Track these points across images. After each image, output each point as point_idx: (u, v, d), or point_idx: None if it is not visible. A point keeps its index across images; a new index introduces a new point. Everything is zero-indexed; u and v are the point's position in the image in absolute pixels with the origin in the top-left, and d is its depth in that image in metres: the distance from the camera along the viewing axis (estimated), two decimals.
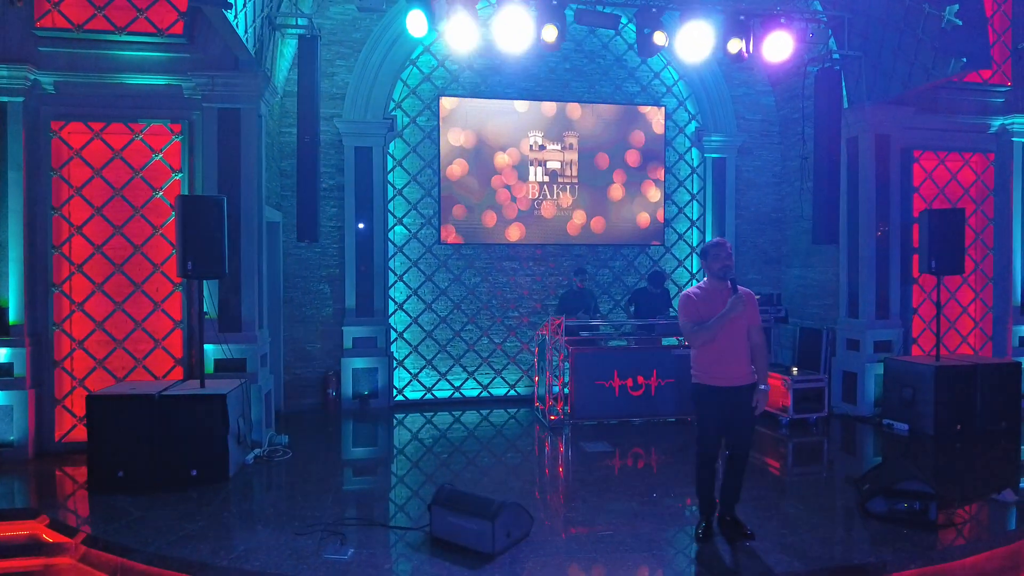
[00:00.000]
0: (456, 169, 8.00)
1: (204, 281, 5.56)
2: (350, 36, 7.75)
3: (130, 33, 5.77)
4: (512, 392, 8.31)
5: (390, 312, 7.98)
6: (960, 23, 5.86)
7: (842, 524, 4.40)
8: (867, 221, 7.29)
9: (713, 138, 8.66)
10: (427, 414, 7.51)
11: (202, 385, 5.33)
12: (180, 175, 5.97)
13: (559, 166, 8.25)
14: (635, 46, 6.84)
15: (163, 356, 5.97)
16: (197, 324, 5.64)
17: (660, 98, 8.67)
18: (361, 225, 7.69)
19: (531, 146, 8.17)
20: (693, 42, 6.52)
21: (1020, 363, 6.87)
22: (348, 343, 7.68)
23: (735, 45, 6.48)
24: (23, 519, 4.43)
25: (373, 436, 6.86)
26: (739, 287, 3.84)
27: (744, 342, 3.88)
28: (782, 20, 6.61)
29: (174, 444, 4.98)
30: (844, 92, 7.23)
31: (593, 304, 7.77)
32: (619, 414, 6.94)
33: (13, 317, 5.63)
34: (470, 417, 7.41)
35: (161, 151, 5.96)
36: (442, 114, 7.93)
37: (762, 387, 3.90)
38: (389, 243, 7.98)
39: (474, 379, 8.25)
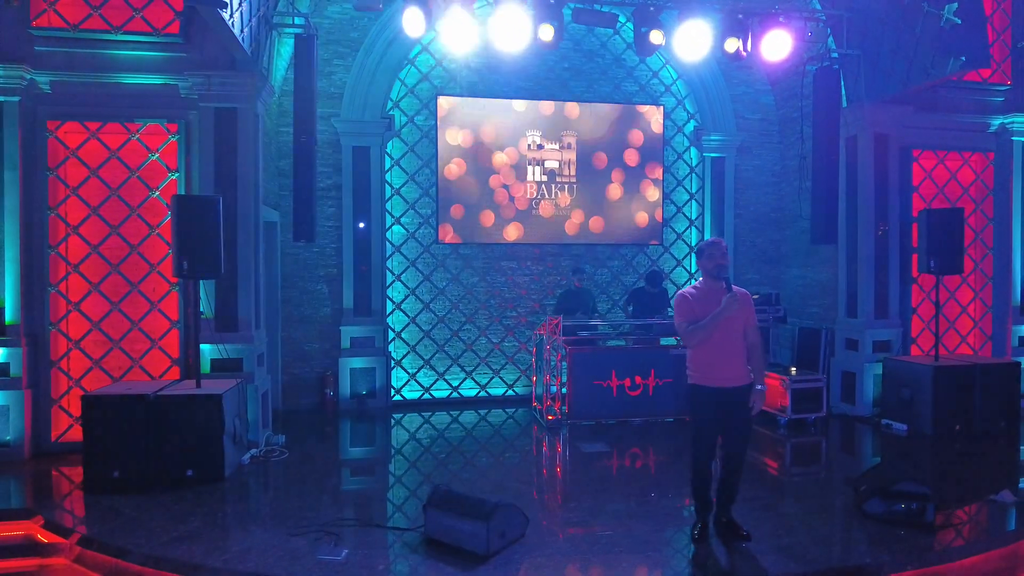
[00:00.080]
0: (454, 168, 7.99)
1: (200, 281, 5.55)
2: (348, 35, 7.74)
3: (126, 32, 5.76)
4: (510, 392, 8.29)
5: (388, 312, 7.97)
6: (959, 22, 5.83)
7: (839, 525, 4.38)
8: (866, 221, 7.26)
9: (712, 137, 8.64)
10: (425, 414, 7.50)
11: (198, 385, 5.31)
12: (176, 175, 5.96)
13: (557, 165, 8.23)
14: (634, 45, 6.81)
15: (160, 356, 5.96)
16: (193, 324, 5.63)
17: (659, 97, 8.65)
18: (362, 224, 7.69)
19: (529, 145, 8.15)
20: (691, 41, 6.50)
21: (1019, 363, 6.84)
22: (346, 343, 7.67)
23: (732, 44, 6.46)
24: (18, 519, 4.42)
25: (371, 436, 6.85)
26: (734, 286, 3.82)
27: (740, 342, 3.85)
28: (781, 19, 6.59)
29: (170, 444, 4.98)
30: (843, 91, 7.21)
31: (591, 304, 7.75)
32: (617, 414, 6.93)
33: (9, 317, 5.62)
34: (468, 417, 7.40)
35: (158, 151, 5.94)
36: (440, 113, 7.91)
37: (758, 387, 3.87)
38: (387, 243, 7.97)
39: (472, 379, 8.23)
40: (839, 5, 7.02)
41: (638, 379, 6.94)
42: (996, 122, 7.60)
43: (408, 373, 8.08)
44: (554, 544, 3.95)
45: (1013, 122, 7.54)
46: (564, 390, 6.88)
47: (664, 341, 7.41)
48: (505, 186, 8.11)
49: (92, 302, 5.87)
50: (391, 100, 7.92)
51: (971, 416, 6.46)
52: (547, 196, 8.23)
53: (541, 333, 7.28)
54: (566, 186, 8.27)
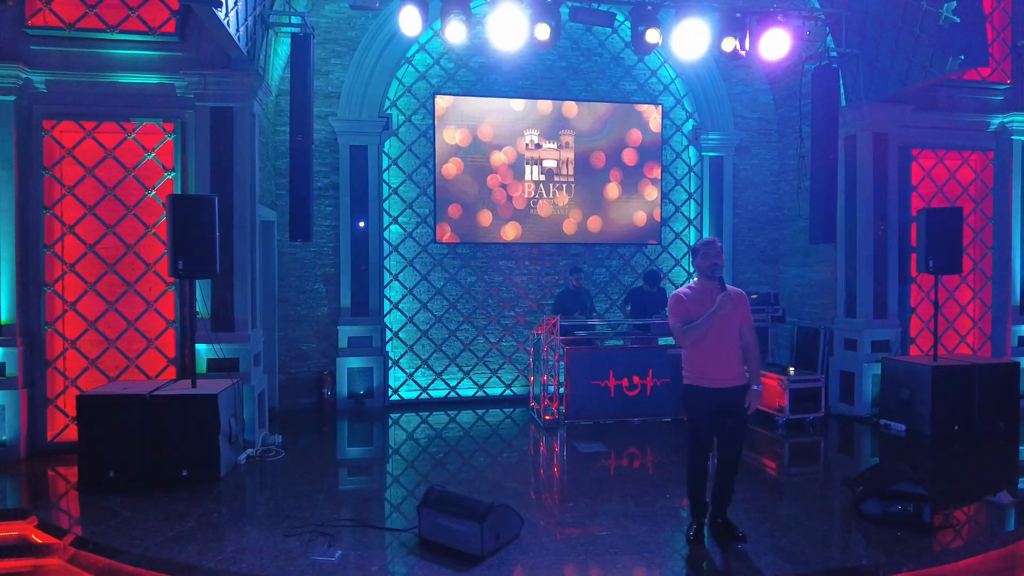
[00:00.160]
0: (452, 168, 7.97)
1: (196, 281, 5.54)
2: (345, 34, 7.72)
3: (122, 31, 5.75)
4: (508, 392, 8.28)
5: (385, 311, 7.96)
6: (958, 20, 5.81)
7: (836, 526, 4.36)
8: (865, 220, 7.24)
9: (710, 136, 8.62)
10: (422, 414, 7.48)
11: (193, 385, 5.31)
12: (173, 174, 5.94)
13: (555, 165, 8.21)
14: (632, 44, 6.79)
15: (156, 356, 5.95)
16: (189, 324, 5.62)
17: (657, 96, 8.63)
18: (362, 224, 7.67)
19: (527, 145, 8.13)
20: (689, 40, 6.48)
21: (1019, 363, 6.82)
22: (343, 342, 7.66)
23: (729, 43, 6.44)
24: (13, 520, 4.41)
25: (368, 436, 6.84)
26: (729, 286, 3.81)
27: (736, 342, 3.84)
28: (779, 17, 6.57)
29: (165, 444, 4.97)
30: (842, 90, 7.19)
31: (589, 303, 7.74)
32: (615, 414, 6.91)
33: (5, 317, 5.61)
34: (466, 417, 7.39)
35: (153, 150, 5.93)
36: (437, 112, 7.89)
37: (754, 388, 3.85)
38: (384, 242, 7.95)
39: (470, 379, 8.22)
40: (838, 4, 6.99)
41: (636, 379, 6.92)
42: (995, 121, 7.57)
43: (406, 373, 8.07)
44: (550, 545, 3.93)
45: (1013, 121, 7.51)
46: (562, 390, 6.87)
47: (662, 341, 7.39)
48: (503, 185, 8.09)
49: (88, 301, 5.86)
50: (389, 99, 7.91)
51: (970, 417, 6.45)
52: (545, 195, 8.21)
53: (539, 333, 7.26)
54: (564, 185, 8.25)
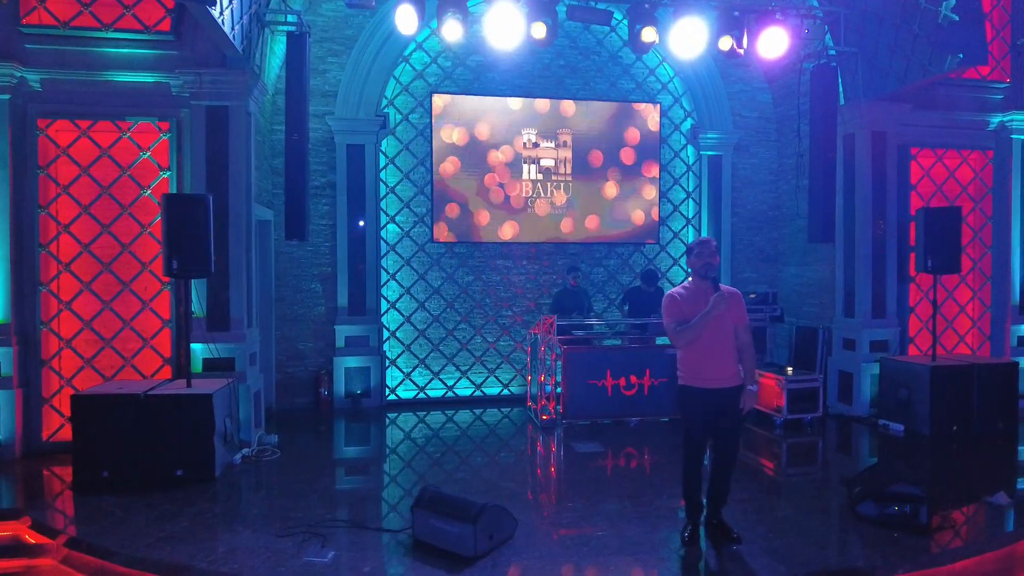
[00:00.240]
0: (449, 167, 7.95)
1: (192, 280, 5.52)
2: (342, 33, 7.70)
3: (117, 30, 5.73)
4: (505, 391, 8.26)
5: (383, 311, 7.94)
6: (957, 18, 5.78)
7: (833, 527, 4.34)
8: (863, 219, 7.21)
9: (709, 135, 8.59)
10: (420, 413, 7.46)
11: (188, 385, 5.29)
12: (168, 173, 5.93)
13: (553, 164, 8.19)
14: (629, 43, 6.77)
15: (151, 355, 5.93)
16: (184, 323, 5.60)
17: (655, 95, 8.60)
18: (361, 223, 7.65)
19: (525, 143, 8.10)
20: (687, 38, 6.47)
21: (1017, 363, 6.79)
22: (340, 342, 7.64)
23: (726, 42, 6.42)
24: (6, 520, 4.39)
25: (365, 435, 6.82)
26: (724, 286, 3.79)
27: (731, 342, 3.81)
28: (777, 16, 6.55)
29: (159, 444, 4.95)
30: (840, 89, 7.16)
31: (587, 303, 7.71)
32: (612, 414, 6.89)
33: (0, 316, 5.59)
34: (463, 416, 7.37)
35: (149, 149, 5.91)
36: (435, 111, 7.87)
37: (750, 388, 3.83)
38: (381, 241, 7.93)
39: (467, 378, 8.20)
40: (836, 2, 6.96)
41: (633, 379, 6.90)
42: (995, 120, 7.54)
43: (403, 372, 8.05)
44: (544, 546, 3.92)
45: (1012, 120, 7.48)
46: (559, 389, 6.85)
47: (660, 341, 7.36)
48: (500, 184, 8.07)
49: (83, 301, 5.84)
50: (386, 98, 7.88)
51: (969, 417, 6.42)
52: (543, 194, 8.19)
53: (536, 332, 7.24)
54: (562, 184, 8.23)
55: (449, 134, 7.92)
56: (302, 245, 7.63)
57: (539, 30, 6.16)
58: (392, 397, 7.96)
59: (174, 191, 5.86)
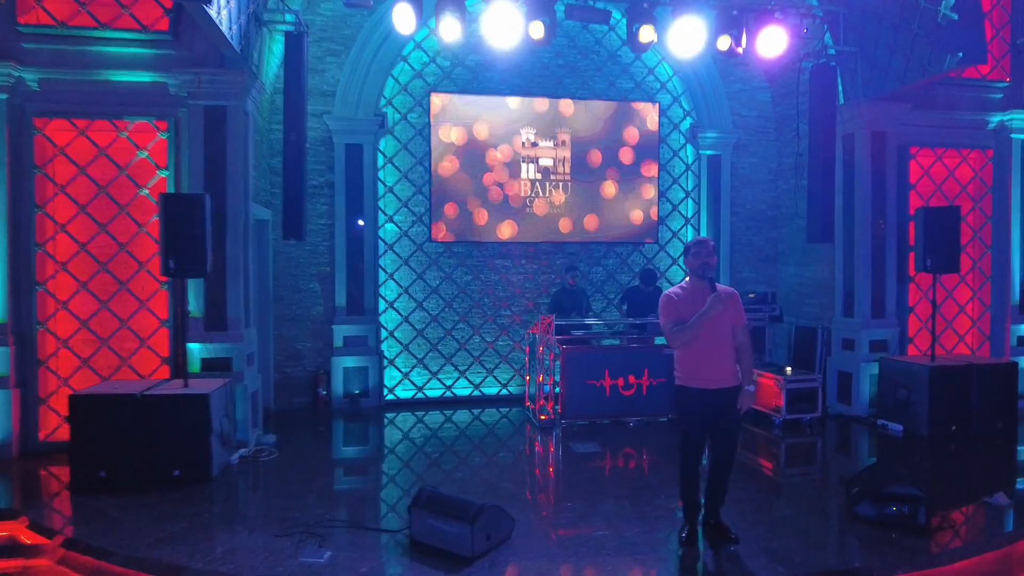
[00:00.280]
0: (447, 166, 7.93)
1: (189, 279, 5.51)
2: (341, 33, 7.68)
3: (114, 29, 5.71)
4: (504, 391, 8.25)
5: (381, 311, 7.93)
6: (956, 17, 5.77)
7: (831, 528, 4.33)
8: (863, 219, 7.20)
9: (708, 135, 8.57)
10: (418, 413, 7.45)
11: (185, 385, 5.28)
12: (165, 173, 5.92)
13: (551, 163, 8.17)
14: (628, 42, 6.75)
15: (149, 355, 5.92)
16: (182, 323, 5.59)
17: (654, 94, 8.59)
18: (361, 222, 7.64)
19: (523, 143, 8.09)
20: (685, 38, 6.45)
21: (1017, 363, 6.79)
22: (338, 342, 7.62)
23: (725, 42, 6.40)
24: (3, 520, 4.38)
25: (363, 435, 6.82)
26: (721, 285, 3.78)
27: (729, 342, 3.80)
28: (776, 15, 6.53)
29: (156, 444, 4.94)
30: (840, 88, 7.15)
31: (585, 303, 7.71)
32: (610, 414, 6.88)
33: None
34: (461, 416, 7.36)
35: (146, 148, 5.90)
36: (433, 111, 7.85)
37: (747, 388, 3.83)
38: (380, 241, 7.92)
39: (465, 378, 8.19)
40: (836, 1, 6.95)
41: (632, 378, 6.89)
42: (995, 119, 7.52)
43: (401, 372, 8.04)
44: (542, 546, 3.91)
45: (1012, 119, 7.47)
46: (557, 389, 6.84)
47: (658, 340, 7.35)
48: (499, 184, 8.05)
49: (80, 300, 5.83)
50: (384, 97, 7.87)
51: (968, 417, 6.41)
52: (541, 194, 8.18)
53: (535, 332, 7.23)
54: (560, 184, 8.22)
55: (447, 133, 7.90)
56: (300, 245, 7.61)
57: (537, 29, 6.15)
58: (390, 397, 7.95)
59: (172, 191, 5.85)
